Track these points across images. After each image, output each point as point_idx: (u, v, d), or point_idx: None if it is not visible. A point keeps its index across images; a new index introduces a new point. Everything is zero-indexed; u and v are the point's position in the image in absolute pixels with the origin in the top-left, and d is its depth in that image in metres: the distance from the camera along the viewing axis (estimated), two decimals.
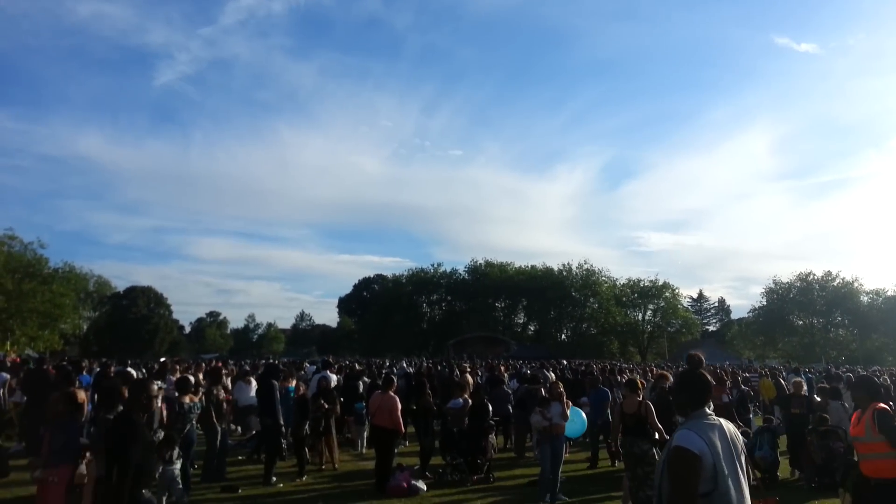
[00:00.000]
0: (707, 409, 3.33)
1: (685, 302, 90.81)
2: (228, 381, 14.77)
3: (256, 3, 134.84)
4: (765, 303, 77.90)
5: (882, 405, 5.75)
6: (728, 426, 3.32)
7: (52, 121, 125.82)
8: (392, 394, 10.49)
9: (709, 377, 3.53)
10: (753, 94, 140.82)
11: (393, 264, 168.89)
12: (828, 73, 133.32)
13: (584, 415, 10.97)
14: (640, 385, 8.66)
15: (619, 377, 16.95)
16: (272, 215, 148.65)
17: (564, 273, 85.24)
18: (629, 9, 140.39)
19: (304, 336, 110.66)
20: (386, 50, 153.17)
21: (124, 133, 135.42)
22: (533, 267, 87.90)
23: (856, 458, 6.31)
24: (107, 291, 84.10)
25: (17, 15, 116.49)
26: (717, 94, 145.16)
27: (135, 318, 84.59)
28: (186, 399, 9.38)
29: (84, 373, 15.46)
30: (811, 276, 76.42)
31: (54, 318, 53.79)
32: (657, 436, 7.96)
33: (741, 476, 3.22)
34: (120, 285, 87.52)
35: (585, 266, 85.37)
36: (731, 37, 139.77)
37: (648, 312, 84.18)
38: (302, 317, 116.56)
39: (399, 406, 10.34)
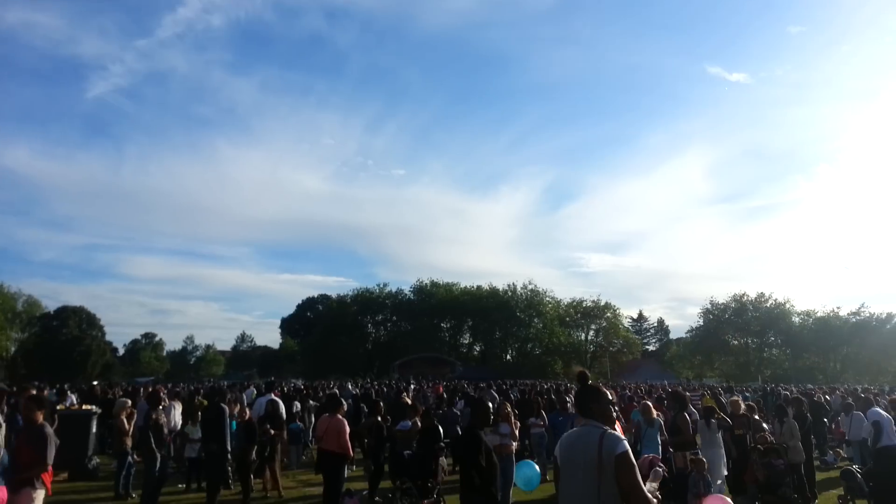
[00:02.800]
0: (584, 417, 4.00)
1: (626, 322, 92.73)
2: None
3: (195, 16, 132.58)
4: (702, 323, 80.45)
5: None
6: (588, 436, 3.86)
7: None
8: (340, 416, 10.27)
9: (592, 390, 4.19)
10: (688, 120, 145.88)
11: (336, 284, 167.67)
12: (757, 101, 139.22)
13: (536, 466, 10.74)
14: None
15: (566, 398, 17.08)
16: (209, 233, 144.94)
17: (509, 293, 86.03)
18: (571, 35, 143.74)
19: (245, 358, 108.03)
20: (329, 67, 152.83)
21: (54, 146, 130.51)
22: (479, 287, 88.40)
23: None
24: (36, 312, 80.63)
25: None
26: (655, 120, 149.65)
27: (66, 339, 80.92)
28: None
29: None
30: (745, 297, 79.32)
31: None
32: None
33: (571, 479, 3.83)
34: (50, 305, 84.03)
35: (530, 286, 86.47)
36: (667, 65, 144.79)
37: (591, 332, 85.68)
38: (243, 338, 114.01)
39: (347, 429, 10.12)
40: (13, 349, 74.73)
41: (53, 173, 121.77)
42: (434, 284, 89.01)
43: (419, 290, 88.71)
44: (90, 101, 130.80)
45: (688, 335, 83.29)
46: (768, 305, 78.19)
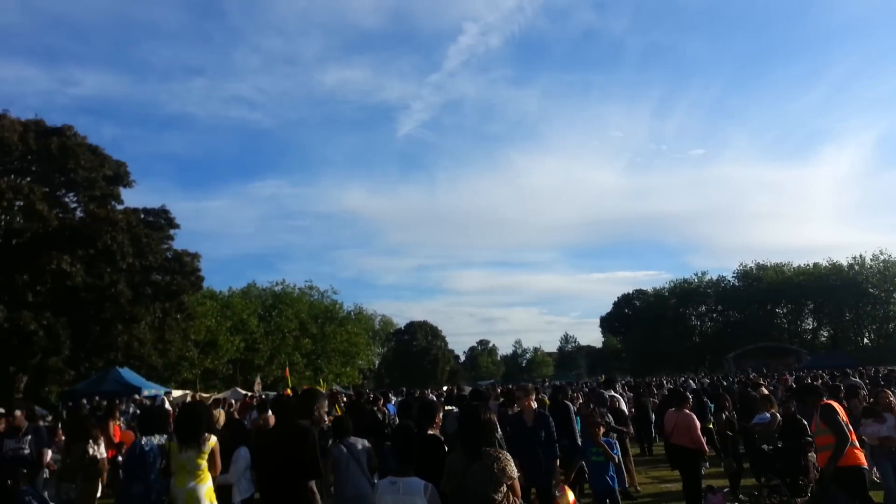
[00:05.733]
0: None
1: None
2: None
3: (475, 41, 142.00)
4: None
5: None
6: None
7: (321, 182, 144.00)
8: (687, 411, 9.93)
9: None
10: None
11: (648, 278, 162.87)
12: None
13: None
14: None
15: None
16: (519, 242, 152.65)
17: (856, 267, 74.35)
18: None
19: (571, 358, 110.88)
20: (605, 59, 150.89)
21: (379, 184, 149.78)
22: (815, 265, 77.98)
23: None
24: (390, 328, 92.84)
25: (278, 94, 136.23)
26: None
27: (416, 350, 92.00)
28: None
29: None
30: None
31: (352, 356, 60.72)
32: None
33: None
34: (399, 322, 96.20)
35: (882, 257, 73.64)
36: None
37: None
38: (566, 339, 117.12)
39: (697, 424, 9.74)
40: (377, 362, 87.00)
41: (383, 208, 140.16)
42: (760, 267, 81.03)
43: (744, 274, 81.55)
44: (401, 139, 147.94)
45: None
46: None
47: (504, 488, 4.50)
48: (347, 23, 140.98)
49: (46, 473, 8.36)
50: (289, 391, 21.89)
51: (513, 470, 4.59)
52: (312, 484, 4.67)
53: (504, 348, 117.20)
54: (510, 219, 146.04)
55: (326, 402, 5.55)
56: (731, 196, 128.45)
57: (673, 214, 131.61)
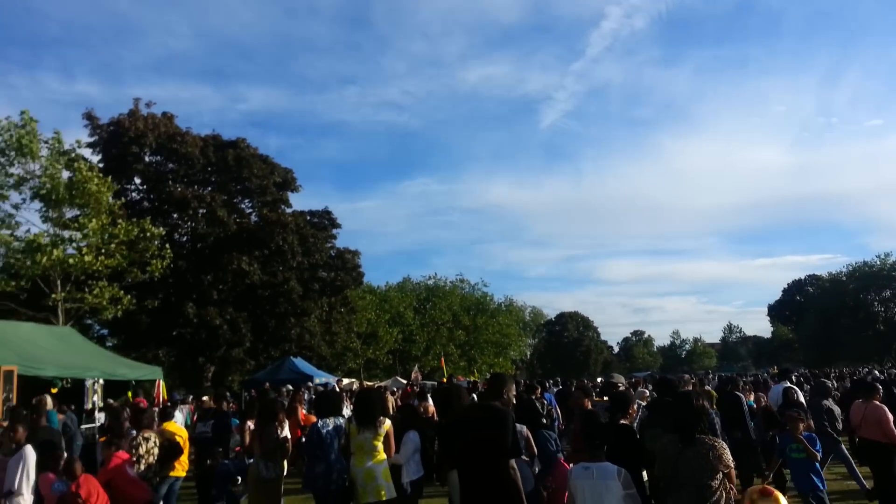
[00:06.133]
0: None
1: None
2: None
3: (618, 24, 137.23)
4: None
5: None
6: None
7: (467, 178, 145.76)
8: (877, 402, 9.17)
9: None
10: None
11: (822, 262, 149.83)
12: None
13: None
14: None
15: None
16: (672, 228, 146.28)
17: None
18: None
19: (735, 349, 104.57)
20: (764, 31, 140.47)
21: (524, 176, 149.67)
22: None
23: None
24: (540, 320, 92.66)
25: (424, 95, 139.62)
26: None
27: (568, 341, 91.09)
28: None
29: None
30: None
31: (504, 347, 61.36)
32: None
33: None
34: (549, 313, 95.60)
35: None
36: None
37: None
38: (730, 329, 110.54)
39: (889, 416, 8.96)
40: (529, 353, 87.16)
41: (528, 200, 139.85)
42: None
43: None
44: (545, 131, 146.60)
45: None
46: None
47: (720, 476, 4.41)
48: (488, 19, 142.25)
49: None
50: (444, 380, 22.69)
51: (729, 458, 4.50)
52: (513, 462, 4.77)
53: (660, 339, 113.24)
54: (662, 205, 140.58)
55: (514, 385, 5.55)
56: None
57: (847, 192, 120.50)
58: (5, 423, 9.43)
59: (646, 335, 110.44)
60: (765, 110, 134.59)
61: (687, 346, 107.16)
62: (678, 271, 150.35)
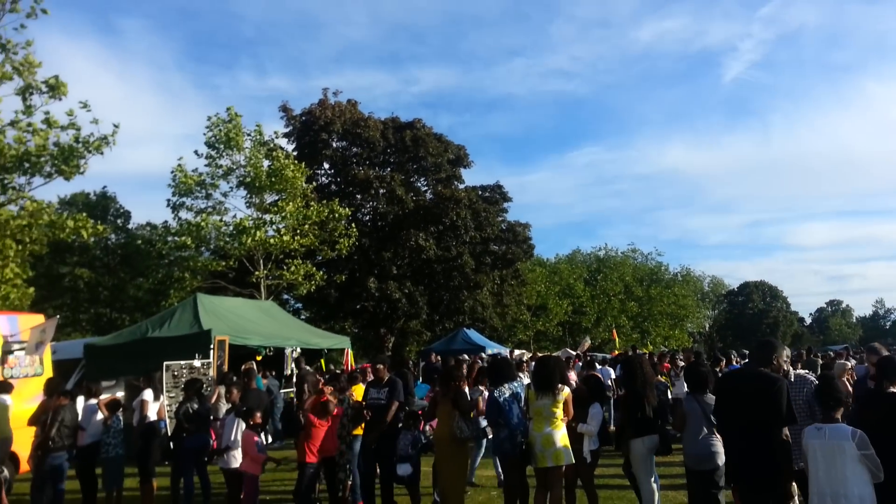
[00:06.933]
0: None
1: None
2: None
3: None
4: None
5: None
6: None
7: (638, 143, 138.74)
8: None
9: None
10: None
11: None
12: None
13: None
14: None
15: None
16: (877, 186, 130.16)
17: None
18: None
19: None
20: None
21: (702, 137, 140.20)
22: None
23: None
24: (720, 290, 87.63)
25: (593, 60, 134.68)
26: None
27: (752, 312, 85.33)
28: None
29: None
30: None
31: (680, 319, 59.07)
32: None
33: None
34: (730, 283, 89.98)
35: None
36: None
37: None
38: None
39: None
40: (707, 325, 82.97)
41: (706, 162, 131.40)
42: None
43: None
44: (727, 86, 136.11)
45: None
46: None
47: None
48: None
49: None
50: (616, 352, 22.37)
51: None
52: (786, 431, 4.95)
53: (861, 309, 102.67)
54: (865, 159, 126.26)
55: (784, 351, 5.50)
56: None
57: None
58: (220, 388, 10.96)
59: (844, 305, 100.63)
60: None
61: (893, 315, 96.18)
62: (883, 233, 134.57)
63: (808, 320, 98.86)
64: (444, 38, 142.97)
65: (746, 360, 8.15)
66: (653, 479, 6.79)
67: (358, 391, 8.97)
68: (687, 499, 6.59)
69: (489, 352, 23.57)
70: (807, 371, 12.98)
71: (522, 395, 7.01)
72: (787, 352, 5.99)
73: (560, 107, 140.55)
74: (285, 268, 23.49)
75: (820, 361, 16.05)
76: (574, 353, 29.82)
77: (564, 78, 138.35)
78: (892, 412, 4.92)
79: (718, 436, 5.98)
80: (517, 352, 27.62)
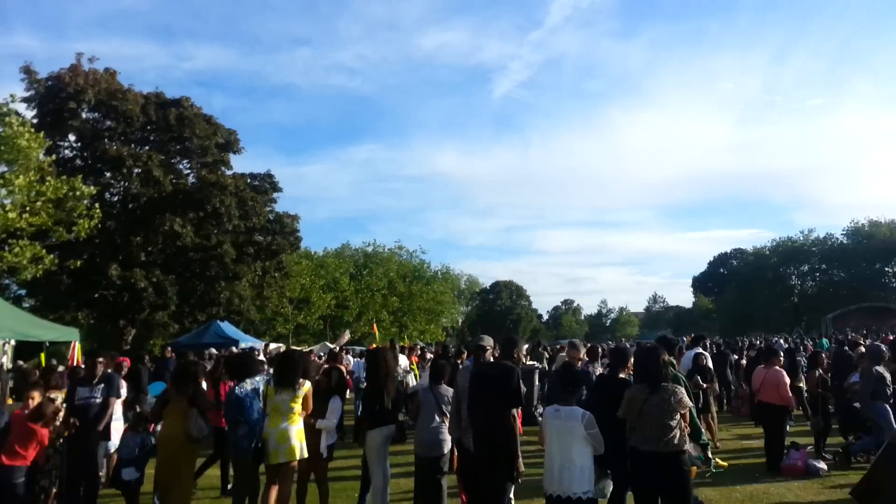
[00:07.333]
0: None
1: None
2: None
3: None
4: None
5: None
6: None
7: (415, 145, 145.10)
8: (777, 368, 10.10)
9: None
10: None
11: (749, 237, 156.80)
12: None
13: None
14: None
15: None
16: (613, 202, 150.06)
17: None
18: None
19: (658, 318, 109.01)
20: (721, 5, 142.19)
21: (472, 146, 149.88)
22: None
23: None
24: (475, 288, 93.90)
25: (378, 60, 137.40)
26: None
27: (500, 309, 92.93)
28: None
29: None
30: None
31: (437, 314, 62.21)
32: None
33: None
34: (485, 281, 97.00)
35: None
36: None
37: None
38: (654, 299, 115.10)
39: (787, 380, 9.90)
40: (460, 321, 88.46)
41: (474, 169, 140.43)
42: (873, 224, 75.48)
43: (854, 232, 76.27)
44: (497, 100, 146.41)
45: None
46: None
47: (678, 416, 5.32)
48: None
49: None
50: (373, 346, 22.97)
51: (688, 401, 5.48)
52: (516, 411, 5.76)
53: (589, 308, 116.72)
54: (605, 178, 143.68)
55: (525, 346, 7.02)
56: (848, 149, 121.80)
57: (782, 170, 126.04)
58: None
59: (575, 304, 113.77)
60: (713, 87, 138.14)
61: (613, 315, 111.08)
62: (614, 243, 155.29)
63: (546, 317, 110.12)
64: (226, 16, 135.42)
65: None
66: (384, 469, 6.94)
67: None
68: (413, 485, 6.95)
69: (242, 345, 22.71)
70: (533, 362, 14.56)
71: (261, 390, 6.84)
72: (525, 346, 7.08)
73: (343, 101, 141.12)
74: (7, 249, 20.33)
75: (546, 354, 18.05)
76: (332, 346, 29.82)
77: (349, 74, 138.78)
78: (620, 393, 5.76)
79: (447, 424, 6.49)
80: (272, 346, 26.98)
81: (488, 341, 6.53)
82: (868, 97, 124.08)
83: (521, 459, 5.74)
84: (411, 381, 14.84)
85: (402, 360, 14.62)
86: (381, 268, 57.50)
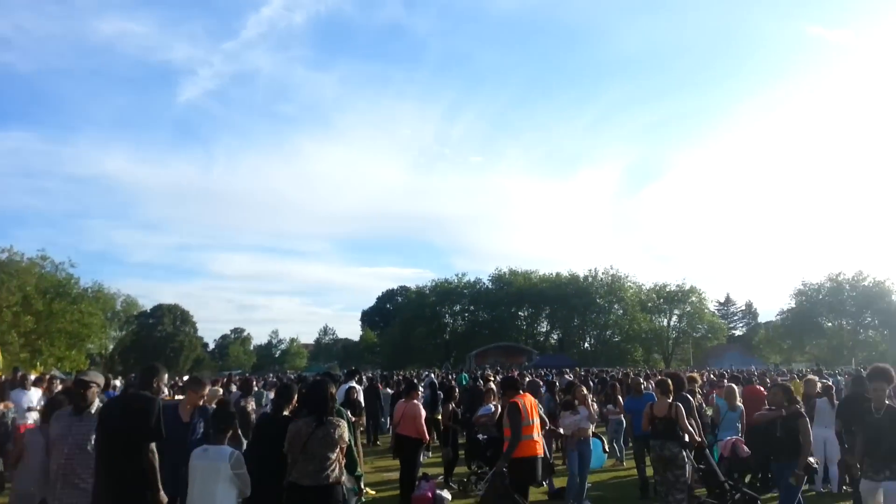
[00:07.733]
0: None
1: (712, 306, 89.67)
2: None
3: (277, 14, 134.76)
4: (794, 305, 75.96)
5: None
6: None
7: (78, 141, 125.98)
8: (416, 402, 10.45)
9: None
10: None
11: (414, 275, 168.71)
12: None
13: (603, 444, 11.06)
14: (670, 387, 8.41)
15: (639, 380, 16.61)
16: (293, 229, 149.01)
17: (590, 279, 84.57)
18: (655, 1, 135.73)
19: (327, 350, 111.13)
20: (407, 56, 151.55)
21: (147, 151, 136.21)
22: (558, 274, 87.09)
23: None
24: (133, 310, 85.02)
25: (42, 36, 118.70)
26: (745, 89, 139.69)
27: (160, 336, 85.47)
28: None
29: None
30: (841, 276, 74.42)
31: (82, 338, 54.51)
32: (687, 438, 7.81)
33: None
34: (146, 304, 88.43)
35: (611, 271, 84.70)
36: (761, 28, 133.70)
37: (674, 318, 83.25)
38: (325, 331, 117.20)
39: (423, 414, 10.29)
40: (111, 347, 79.23)
41: (147, 177, 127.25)
42: (513, 273, 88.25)
43: (497, 278, 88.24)
44: (181, 106, 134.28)
45: (778, 318, 79.15)
46: (866, 284, 73.15)
47: (338, 449, 5.41)
48: None
49: None
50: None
51: (348, 435, 5.62)
52: (153, 445, 5.25)
53: (260, 338, 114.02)
54: (288, 204, 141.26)
55: (166, 376, 6.43)
56: (500, 204, 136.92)
57: (446, 216, 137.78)
58: None
59: (245, 333, 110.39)
60: (395, 130, 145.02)
61: (283, 345, 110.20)
62: (291, 271, 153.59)
63: (213, 346, 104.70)
64: None
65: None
66: None
67: None
68: None
69: None
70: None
71: None
72: (166, 376, 6.62)
73: None
74: None
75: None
76: None
77: (4, 46, 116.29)
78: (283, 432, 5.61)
79: None
80: None
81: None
82: (515, 161, 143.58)
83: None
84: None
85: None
86: (16, 280, 48.60)
